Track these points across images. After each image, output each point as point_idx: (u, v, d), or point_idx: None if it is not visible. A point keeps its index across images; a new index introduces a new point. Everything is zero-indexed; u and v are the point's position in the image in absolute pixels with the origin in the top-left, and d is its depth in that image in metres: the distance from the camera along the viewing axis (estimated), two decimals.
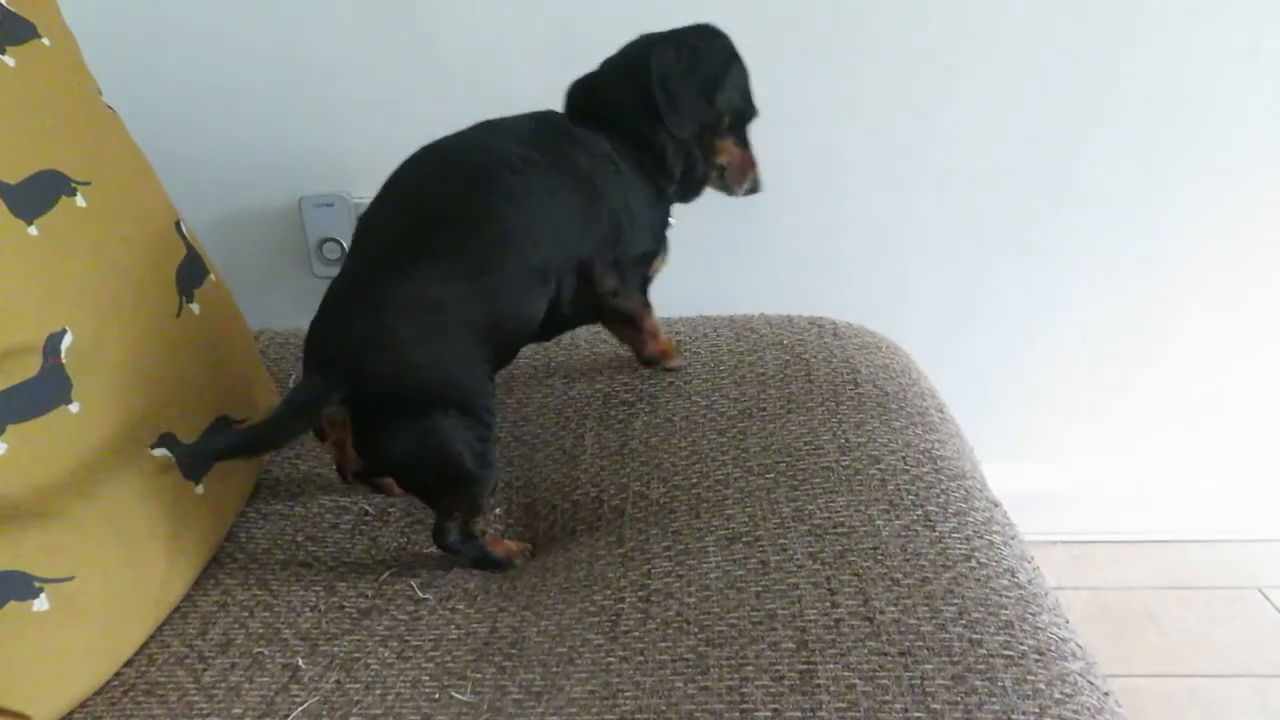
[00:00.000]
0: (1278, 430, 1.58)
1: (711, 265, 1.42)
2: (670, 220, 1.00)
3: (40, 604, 0.70)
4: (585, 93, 0.96)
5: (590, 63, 1.30)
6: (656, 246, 0.97)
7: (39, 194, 0.78)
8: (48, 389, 0.73)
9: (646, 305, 1.00)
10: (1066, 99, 1.34)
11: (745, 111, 0.97)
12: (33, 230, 0.76)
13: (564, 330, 1.02)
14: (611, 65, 0.96)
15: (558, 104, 1.32)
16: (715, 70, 0.93)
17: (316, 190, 1.38)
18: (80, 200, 0.82)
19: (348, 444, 0.81)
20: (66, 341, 0.75)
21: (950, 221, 1.42)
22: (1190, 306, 1.49)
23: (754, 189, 1.01)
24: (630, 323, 1.00)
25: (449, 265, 0.80)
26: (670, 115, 0.91)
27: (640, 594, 0.76)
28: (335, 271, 1.39)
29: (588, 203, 0.89)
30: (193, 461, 0.86)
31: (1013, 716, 0.61)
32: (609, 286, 0.93)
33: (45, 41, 0.86)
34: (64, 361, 0.74)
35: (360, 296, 0.80)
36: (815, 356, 1.06)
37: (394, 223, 0.84)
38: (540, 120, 0.92)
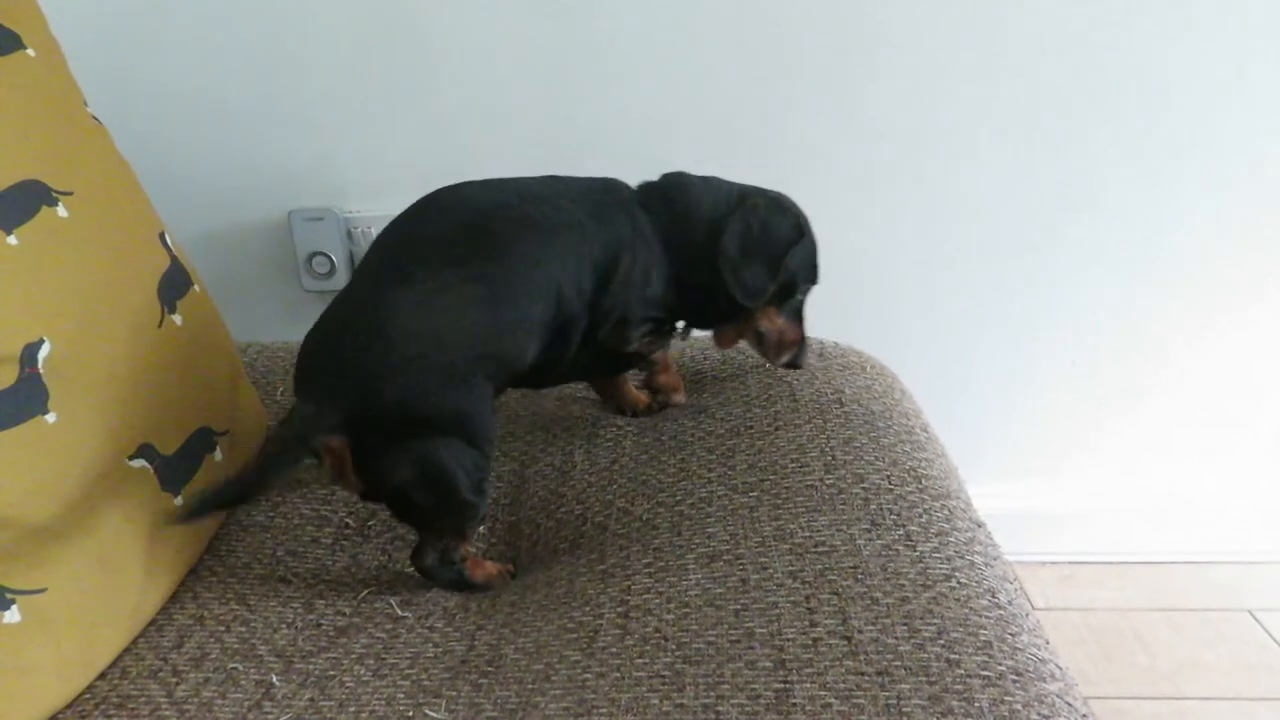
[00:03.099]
0: (1269, 453, 1.58)
1: None
2: (678, 326, 1.01)
3: (11, 616, 0.69)
4: (673, 193, 0.96)
5: (582, 76, 1.31)
6: (649, 314, 0.96)
7: (19, 203, 0.77)
8: (24, 399, 0.73)
9: (655, 344, 0.99)
10: (1062, 119, 1.34)
11: (796, 284, 0.97)
12: (12, 240, 0.75)
13: (557, 383, 1.03)
14: (702, 204, 0.95)
15: (549, 117, 1.34)
16: (776, 259, 0.94)
17: (306, 204, 1.38)
18: (62, 210, 0.81)
19: (348, 470, 0.78)
20: (44, 351, 0.74)
21: (944, 243, 1.43)
22: (1183, 331, 1.49)
23: (793, 365, 1.00)
24: (640, 357, 0.99)
25: (459, 295, 0.80)
26: (736, 288, 0.94)
27: (619, 610, 0.75)
28: (324, 285, 1.42)
29: (610, 264, 0.89)
30: (171, 473, 0.85)
31: None
32: (609, 338, 0.93)
33: (30, 52, 0.86)
34: (41, 371, 0.74)
35: (365, 323, 0.78)
36: (798, 379, 1.06)
37: (412, 244, 0.84)
38: (600, 188, 0.93)
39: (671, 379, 1.04)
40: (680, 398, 1.04)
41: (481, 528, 0.94)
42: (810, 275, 0.99)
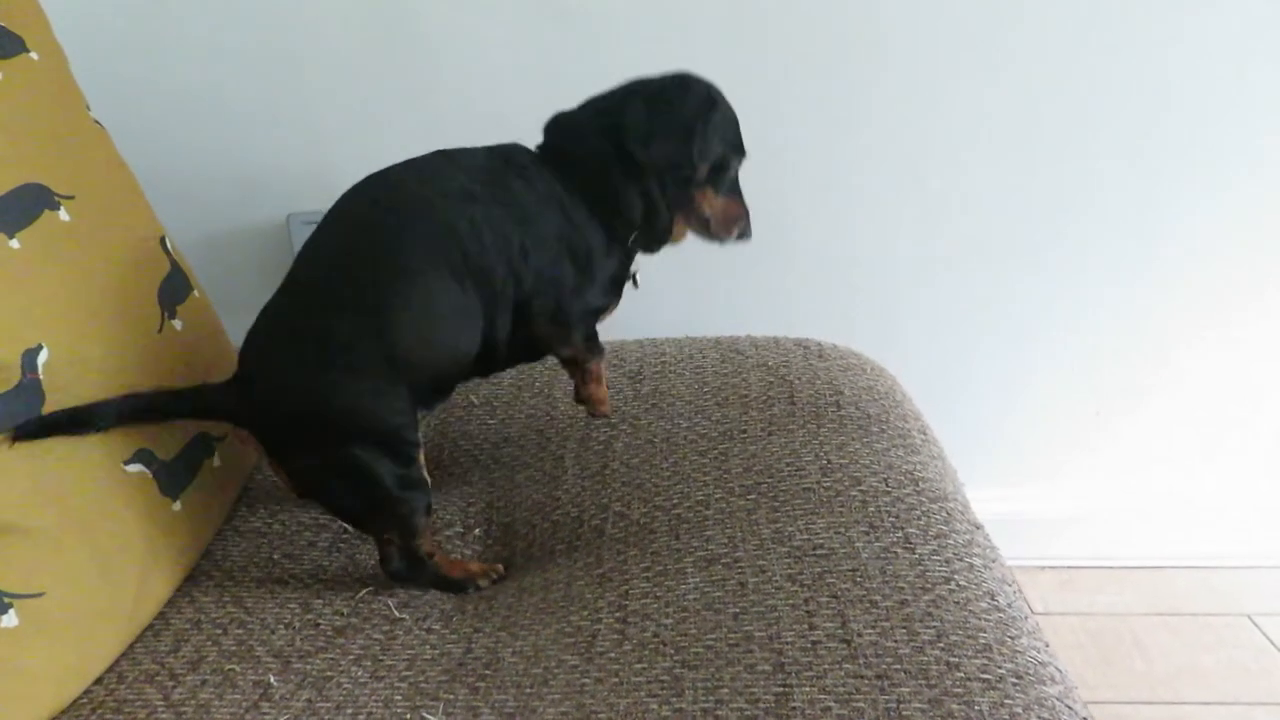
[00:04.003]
0: (1268, 456, 1.58)
1: (702, 286, 1.42)
2: (633, 270, 0.96)
3: (9, 620, 0.69)
4: (558, 133, 0.93)
5: (580, 80, 1.31)
6: (608, 300, 0.93)
7: (21, 207, 0.78)
8: (22, 403, 0.73)
9: (593, 351, 0.94)
10: (1063, 123, 1.34)
11: (727, 160, 0.93)
12: (14, 243, 0.75)
13: (503, 368, 0.97)
14: (585, 114, 0.92)
15: (548, 118, 1.33)
16: (690, 125, 0.89)
17: (305, 208, 1.38)
18: (64, 214, 0.82)
19: (272, 464, 0.84)
20: (43, 357, 0.74)
21: (944, 246, 1.43)
22: (1182, 336, 1.49)
23: (743, 236, 0.96)
24: (575, 364, 0.95)
25: (361, 304, 0.80)
26: (653, 177, 0.89)
27: (617, 615, 0.75)
28: None
29: (526, 241, 0.85)
30: (170, 478, 0.85)
31: None
32: (543, 332, 0.89)
33: (33, 56, 0.86)
34: (40, 376, 0.74)
35: (278, 329, 0.82)
36: (799, 378, 1.06)
37: (322, 256, 0.84)
38: (496, 154, 0.89)
39: (600, 391, 0.97)
40: (605, 410, 0.97)
41: (477, 530, 0.93)
42: (737, 147, 0.95)
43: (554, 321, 0.89)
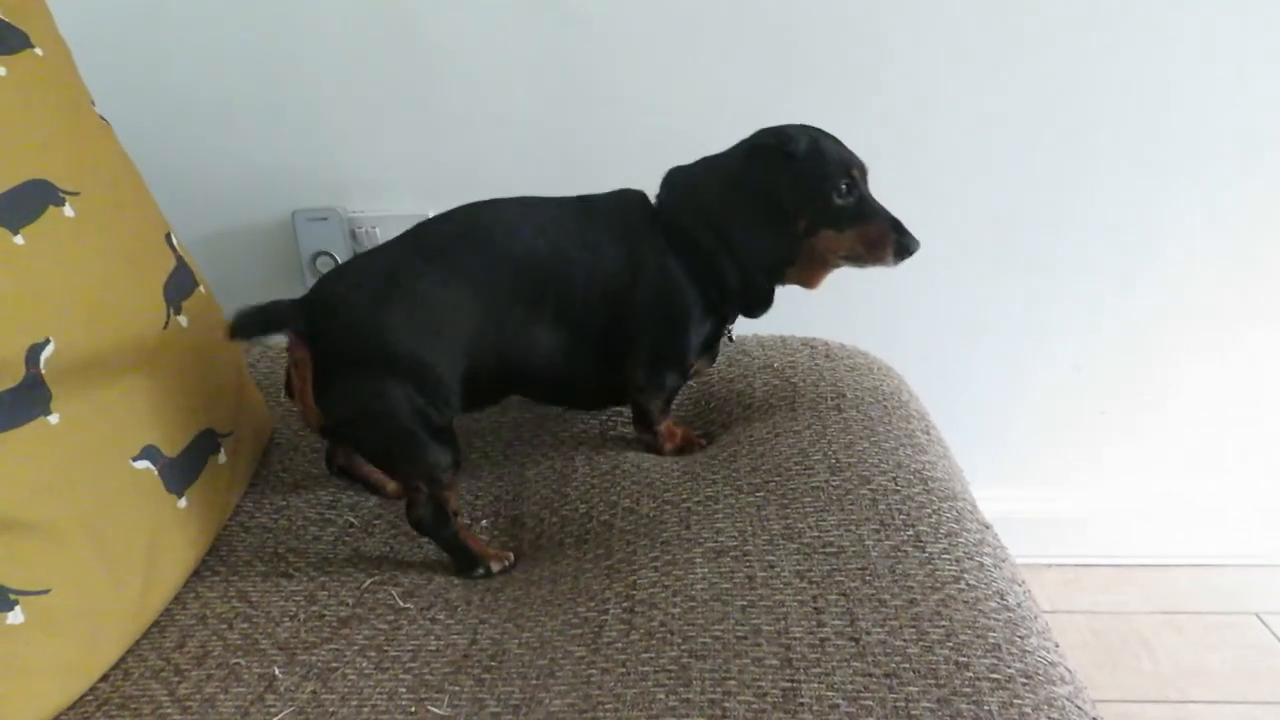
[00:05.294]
0: (1274, 455, 1.57)
1: None
2: (729, 332, 0.99)
3: (14, 617, 0.69)
4: (670, 191, 0.94)
5: (581, 81, 1.31)
6: (693, 361, 0.96)
7: (26, 203, 0.77)
8: (27, 400, 0.72)
9: (664, 411, 0.99)
10: (1064, 122, 1.34)
11: (828, 201, 0.89)
12: (18, 239, 0.75)
13: (594, 406, 1.05)
14: (695, 177, 0.93)
15: (551, 117, 1.34)
16: (736, 222, 0.90)
17: (310, 205, 1.38)
18: (68, 210, 0.81)
19: (309, 391, 0.83)
20: (47, 352, 0.74)
21: (945, 246, 1.42)
22: (1187, 332, 1.49)
23: (904, 253, 0.90)
24: (644, 420, 0.99)
25: (457, 280, 0.86)
26: (750, 266, 0.91)
27: (624, 605, 0.75)
28: None
29: (625, 295, 0.90)
30: (175, 474, 0.85)
31: None
32: (638, 381, 0.95)
33: (38, 51, 0.86)
34: (43, 372, 0.74)
35: (369, 265, 0.87)
36: (804, 379, 1.06)
37: (439, 235, 0.89)
38: (619, 206, 0.93)
39: (673, 443, 1.01)
40: (682, 445, 1.01)
41: (484, 521, 0.93)
42: (837, 176, 0.89)
43: (646, 371, 0.94)
